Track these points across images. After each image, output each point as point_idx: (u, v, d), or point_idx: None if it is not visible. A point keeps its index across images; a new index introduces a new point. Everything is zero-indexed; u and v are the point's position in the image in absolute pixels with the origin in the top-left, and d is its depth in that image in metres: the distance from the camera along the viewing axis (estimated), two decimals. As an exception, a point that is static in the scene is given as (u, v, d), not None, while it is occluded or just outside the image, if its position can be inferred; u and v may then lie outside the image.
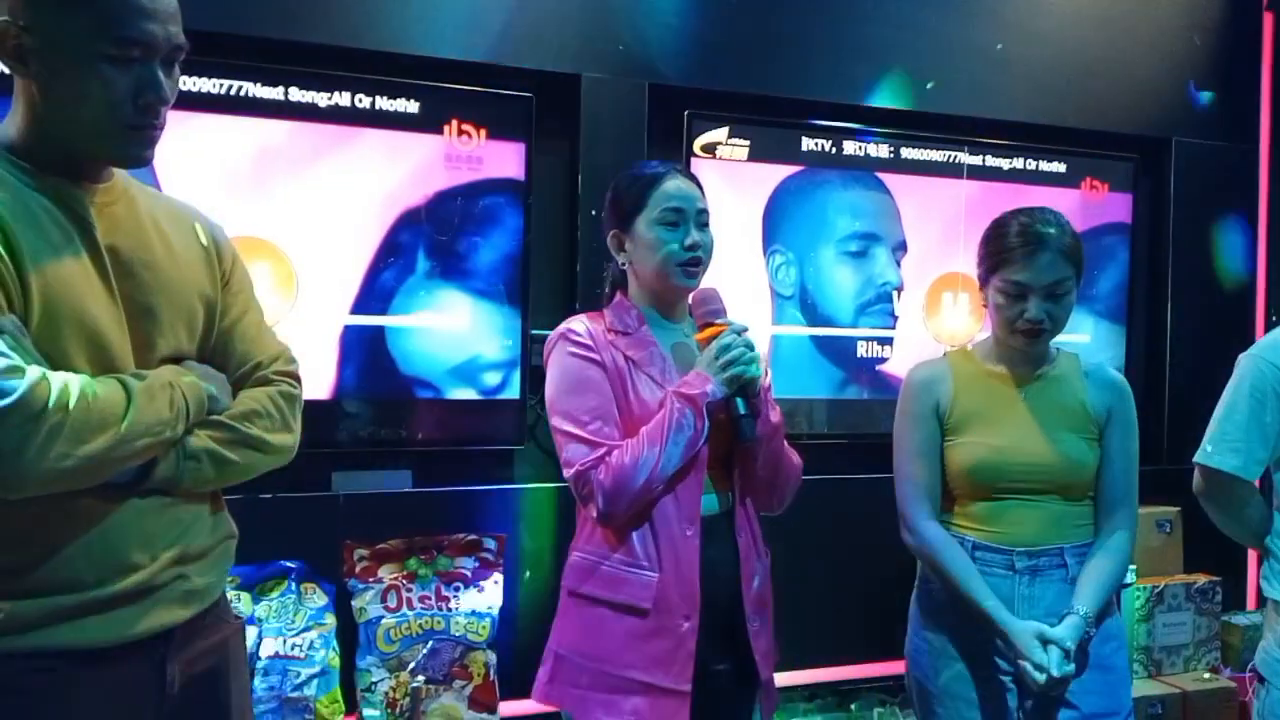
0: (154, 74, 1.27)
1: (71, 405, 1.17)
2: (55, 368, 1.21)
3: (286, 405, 1.45)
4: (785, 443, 1.90)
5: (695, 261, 1.80)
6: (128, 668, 1.29)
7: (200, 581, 1.37)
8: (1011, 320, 1.92)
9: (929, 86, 3.04)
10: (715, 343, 1.76)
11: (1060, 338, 2.01)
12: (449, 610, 2.44)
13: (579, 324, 1.82)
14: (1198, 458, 2.04)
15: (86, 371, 1.24)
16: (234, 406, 1.39)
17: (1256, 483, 2.02)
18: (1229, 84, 3.45)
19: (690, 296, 1.86)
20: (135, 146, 1.30)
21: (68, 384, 1.18)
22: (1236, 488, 2.01)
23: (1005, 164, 3.16)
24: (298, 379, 1.50)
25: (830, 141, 2.97)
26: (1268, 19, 3.48)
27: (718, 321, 1.79)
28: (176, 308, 1.36)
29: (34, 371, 1.16)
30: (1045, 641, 1.83)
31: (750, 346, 1.77)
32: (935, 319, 3.08)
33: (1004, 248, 1.91)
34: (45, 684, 1.22)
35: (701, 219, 1.82)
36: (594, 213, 2.59)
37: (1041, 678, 1.81)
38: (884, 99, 3.01)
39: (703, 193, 1.85)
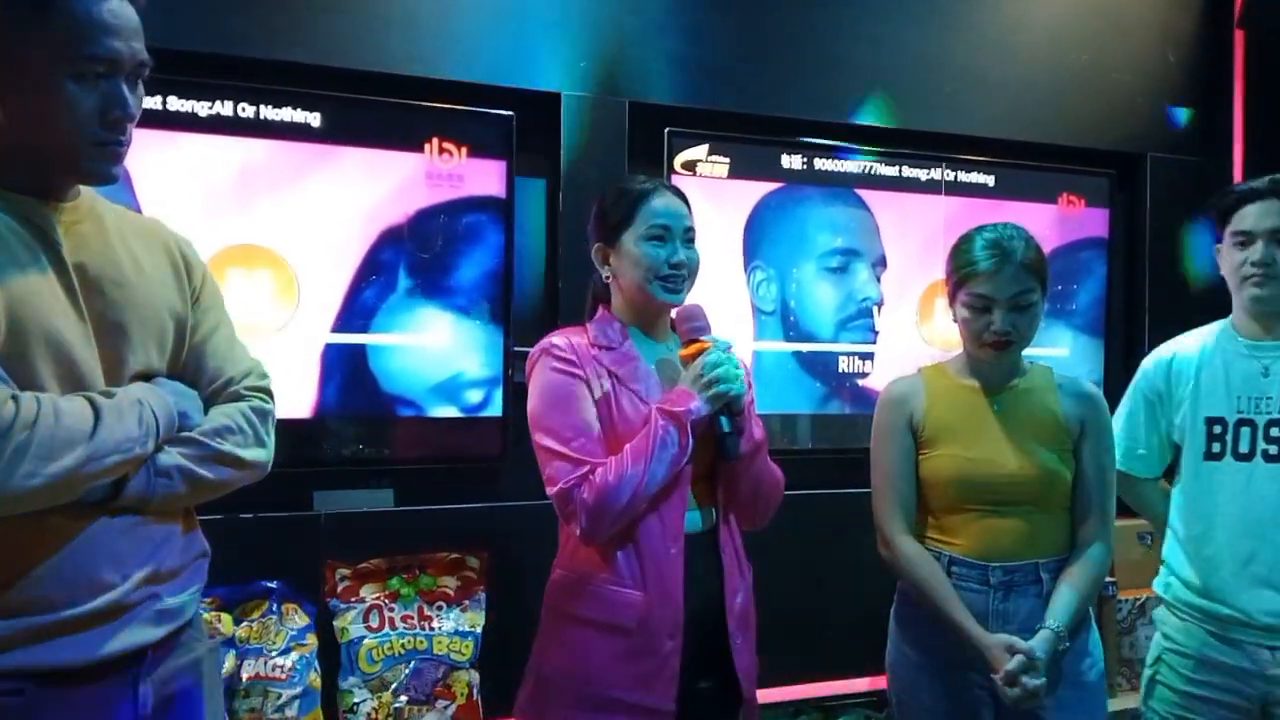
0: (120, 90, 1.27)
1: (38, 423, 1.17)
2: (23, 386, 1.20)
3: (259, 420, 1.45)
4: (768, 458, 1.90)
5: (678, 278, 1.80)
6: (100, 688, 1.28)
7: (172, 601, 1.36)
8: (979, 333, 1.94)
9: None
10: (700, 360, 1.76)
11: (1038, 352, 2.03)
12: (431, 630, 2.42)
13: (561, 339, 1.81)
14: None
15: (55, 390, 1.23)
16: (205, 423, 1.39)
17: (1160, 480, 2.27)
18: (1203, 101, 3.49)
19: (674, 313, 1.86)
20: (103, 163, 1.30)
21: (34, 402, 1.18)
22: (1123, 479, 2.22)
23: (983, 180, 3.19)
24: (270, 394, 1.49)
25: (810, 159, 2.98)
26: (1239, 36, 3.53)
27: (702, 338, 1.79)
28: (146, 325, 1.36)
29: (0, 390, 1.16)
30: (1015, 653, 1.84)
31: (735, 364, 1.77)
32: (925, 329, 3.10)
33: (969, 262, 1.94)
34: (16, 705, 1.21)
35: (688, 236, 1.82)
36: (575, 230, 2.60)
37: (1015, 692, 1.81)
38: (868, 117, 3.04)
39: (690, 209, 1.85)
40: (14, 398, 1.17)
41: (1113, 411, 2.15)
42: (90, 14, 1.23)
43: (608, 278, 1.85)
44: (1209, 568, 2.06)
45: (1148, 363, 2.25)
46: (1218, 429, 2.10)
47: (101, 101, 1.26)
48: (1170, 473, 2.24)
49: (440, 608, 2.46)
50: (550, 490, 1.74)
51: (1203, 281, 3.43)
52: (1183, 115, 3.43)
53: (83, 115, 1.25)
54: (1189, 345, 2.21)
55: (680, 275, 1.80)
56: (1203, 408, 2.12)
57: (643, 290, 1.80)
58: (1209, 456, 2.10)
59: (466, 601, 2.49)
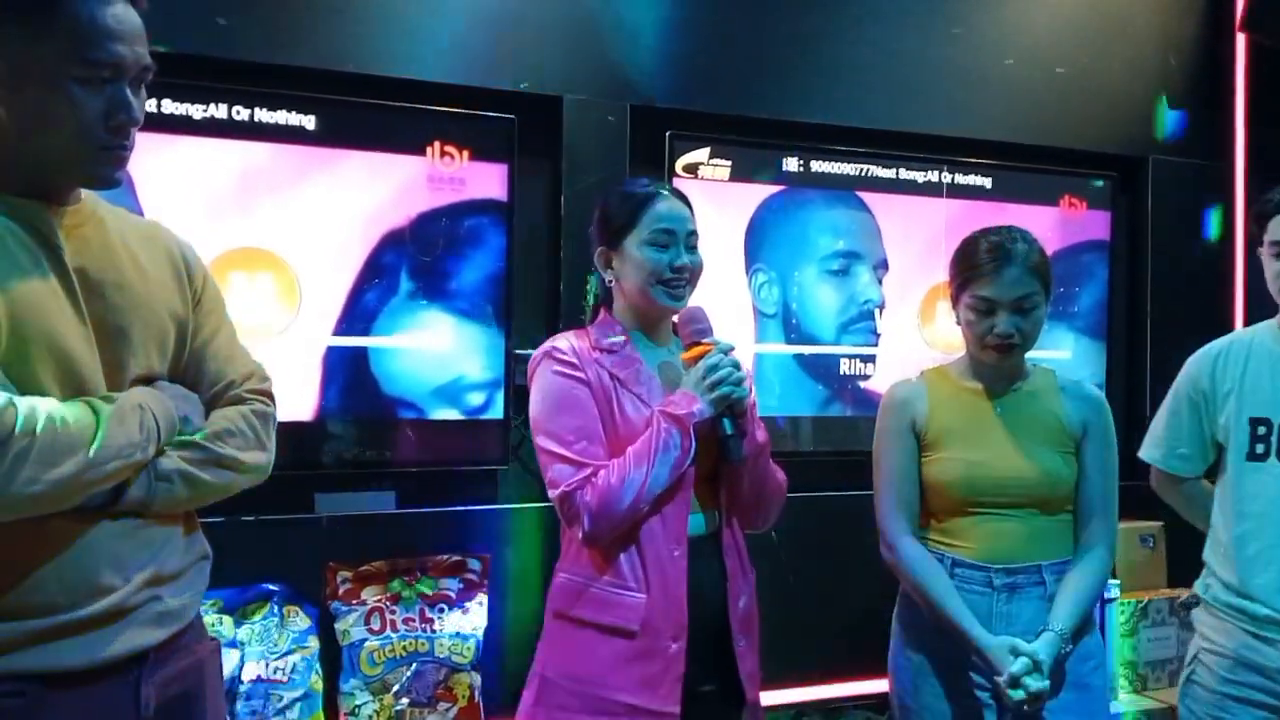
0: (124, 95, 1.27)
1: (39, 429, 1.16)
2: (24, 391, 1.20)
3: (260, 423, 1.44)
4: (770, 461, 1.90)
5: (680, 283, 1.80)
6: (102, 690, 1.28)
7: (174, 603, 1.36)
8: (982, 335, 1.94)
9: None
10: (702, 362, 1.75)
11: (1041, 355, 2.03)
12: (433, 632, 2.42)
13: (563, 341, 1.81)
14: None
15: (56, 394, 1.23)
16: (206, 426, 1.39)
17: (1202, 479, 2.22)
18: (1204, 103, 3.49)
19: (677, 315, 1.86)
20: (106, 167, 1.30)
21: (35, 408, 1.18)
22: (1164, 479, 2.22)
23: (985, 182, 3.19)
24: (271, 397, 1.49)
25: (811, 161, 2.98)
26: (1241, 39, 3.53)
27: (705, 341, 1.79)
28: (148, 328, 1.36)
29: (0, 397, 1.16)
30: (1019, 655, 1.84)
31: (737, 366, 1.77)
32: (927, 330, 3.10)
33: (972, 264, 1.94)
34: (17, 708, 1.21)
35: (690, 240, 1.82)
36: (576, 233, 2.60)
37: (1018, 694, 1.81)
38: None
39: (692, 212, 1.85)
40: (15, 403, 1.17)
41: (1118, 415, 2.13)
42: (95, 18, 1.23)
43: (610, 282, 1.85)
44: (1250, 569, 2.03)
45: (1191, 362, 2.22)
46: (1262, 430, 2.07)
47: (106, 106, 1.26)
48: (1211, 473, 2.21)
49: (442, 610, 2.46)
50: (552, 493, 1.74)
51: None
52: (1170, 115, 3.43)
53: (88, 119, 1.25)
54: (1233, 345, 2.18)
55: (682, 280, 1.80)
56: (1246, 408, 2.09)
57: (645, 294, 1.80)
58: (1252, 457, 2.07)
59: (468, 604, 2.49)
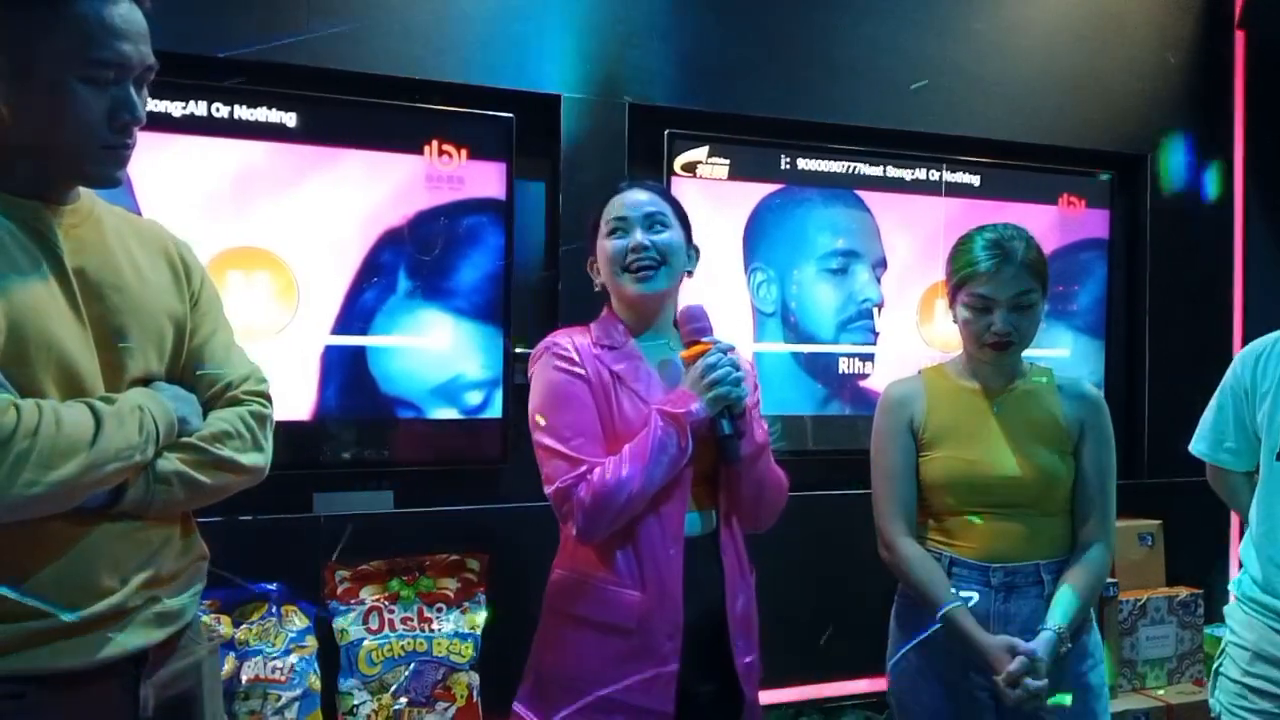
0: (128, 94, 1.27)
1: (39, 431, 1.16)
2: (24, 393, 1.20)
3: (257, 425, 1.44)
4: (771, 461, 1.90)
5: (643, 264, 1.78)
6: (100, 691, 1.28)
7: (172, 603, 1.36)
8: (979, 334, 1.94)
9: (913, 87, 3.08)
10: (701, 361, 1.75)
11: (1039, 353, 2.03)
12: (431, 631, 2.42)
13: (564, 338, 1.81)
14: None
15: (55, 396, 1.23)
16: (204, 428, 1.38)
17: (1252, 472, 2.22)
18: (1203, 101, 3.49)
19: (678, 312, 1.86)
20: (109, 166, 1.30)
21: (35, 410, 1.17)
22: (1215, 472, 2.26)
23: (983, 181, 3.19)
24: (268, 398, 1.49)
25: (810, 160, 2.98)
26: (1239, 37, 3.52)
27: (704, 340, 1.79)
28: (146, 329, 1.36)
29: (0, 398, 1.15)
30: (1017, 655, 1.84)
31: (736, 366, 1.76)
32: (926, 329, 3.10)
33: (969, 262, 1.94)
34: (16, 709, 1.21)
35: (649, 221, 1.81)
36: (575, 232, 2.60)
37: (1016, 693, 1.81)
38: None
39: (661, 196, 1.85)
40: (15, 405, 1.16)
41: (1117, 413, 2.13)
42: (101, 18, 1.23)
43: (598, 286, 1.87)
44: (1271, 566, 2.05)
45: (1237, 359, 2.23)
46: None
47: (111, 105, 1.26)
48: None
49: (440, 609, 2.46)
50: (548, 489, 1.74)
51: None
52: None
53: (92, 119, 1.25)
54: (1277, 343, 2.17)
55: (643, 260, 1.78)
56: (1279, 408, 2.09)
57: (615, 285, 1.82)
58: None
59: (466, 603, 2.49)
